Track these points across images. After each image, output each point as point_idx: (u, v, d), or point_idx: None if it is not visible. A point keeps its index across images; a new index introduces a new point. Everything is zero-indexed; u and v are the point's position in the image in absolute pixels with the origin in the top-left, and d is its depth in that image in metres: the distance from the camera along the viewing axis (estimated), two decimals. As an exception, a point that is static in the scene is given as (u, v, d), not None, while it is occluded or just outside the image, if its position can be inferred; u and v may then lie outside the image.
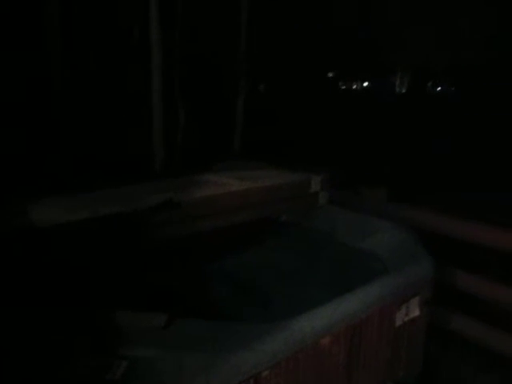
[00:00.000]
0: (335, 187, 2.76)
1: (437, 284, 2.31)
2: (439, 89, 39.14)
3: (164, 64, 4.84)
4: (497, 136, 11.49)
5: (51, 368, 1.32)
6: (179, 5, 5.38)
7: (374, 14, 24.02)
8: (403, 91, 34.80)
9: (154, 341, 1.45)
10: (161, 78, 4.81)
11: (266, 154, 3.72)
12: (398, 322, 2.08)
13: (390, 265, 2.22)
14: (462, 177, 6.70)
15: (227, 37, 5.94)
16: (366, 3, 23.24)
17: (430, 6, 24.94)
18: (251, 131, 6.18)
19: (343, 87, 33.76)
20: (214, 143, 5.53)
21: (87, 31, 5.05)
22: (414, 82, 34.45)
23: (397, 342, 2.11)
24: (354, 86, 37.05)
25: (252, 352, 1.46)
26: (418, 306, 2.16)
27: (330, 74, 30.22)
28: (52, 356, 1.36)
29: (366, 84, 37.47)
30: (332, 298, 1.82)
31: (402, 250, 2.29)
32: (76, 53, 4.94)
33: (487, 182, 6.39)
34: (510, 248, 2.52)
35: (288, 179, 2.60)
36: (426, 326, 2.29)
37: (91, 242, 1.90)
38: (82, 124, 4.84)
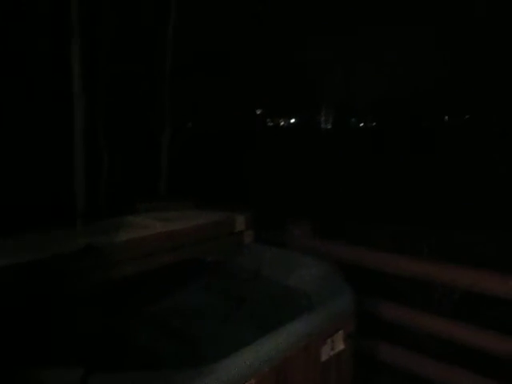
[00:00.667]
0: (260, 225, 2.79)
1: (362, 315, 2.39)
2: (362, 124, 41.43)
3: (87, 103, 4.75)
4: (415, 168, 12.24)
5: None
6: (103, 47, 5.36)
7: (300, 55, 25.23)
8: (328, 127, 36.45)
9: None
10: (83, 117, 4.71)
11: (192, 193, 3.71)
12: (324, 358, 2.10)
13: (315, 300, 2.25)
14: (382, 209, 7.07)
15: (152, 75, 5.96)
16: (292, 44, 24.26)
17: (355, 44, 26.60)
18: (178, 170, 6.16)
19: (271, 123, 34.70)
20: (139, 183, 5.45)
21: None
22: (339, 118, 36.21)
23: (324, 377, 2.13)
24: (282, 123, 38.30)
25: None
26: (342, 339, 2.20)
27: (258, 111, 30.97)
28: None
29: (292, 120, 38.83)
30: (258, 338, 1.82)
31: (325, 284, 2.34)
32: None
33: (403, 214, 6.78)
34: (426, 277, 2.65)
35: (212, 219, 2.60)
36: (352, 359, 2.34)
37: (7, 290, 1.79)
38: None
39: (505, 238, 6.19)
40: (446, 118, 39.80)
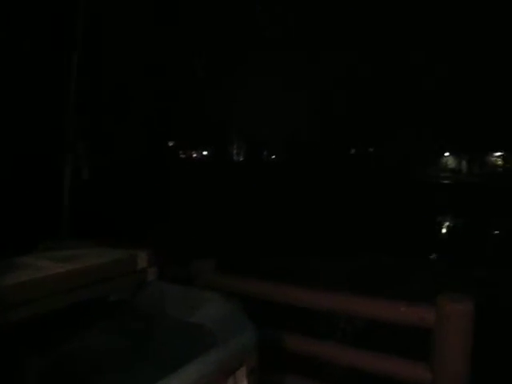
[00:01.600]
0: (164, 262, 2.76)
1: (268, 349, 2.43)
2: (274, 157, 42.74)
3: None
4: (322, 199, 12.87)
5: None
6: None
7: (212, 93, 25.57)
8: (240, 159, 37.18)
9: None
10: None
11: (94, 231, 3.59)
12: (227, 395, 2.10)
13: (218, 337, 2.26)
14: (287, 242, 7.35)
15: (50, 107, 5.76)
16: (204, 82, 24.46)
17: (263, 83, 27.51)
18: (80, 208, 5.94)
19: (183, 156, 34.63)
20: (38, 222, 5.17)
21: None
22: (250, 151, 37.09)
23: (227, 415, 2.12)
24: (195, 155, 38.39)
25: None
26: (245, 375, 2.21)
27: (171, 143, 30.81)
28: None
29: (205, 153, 39.07)
30: (160, 379, 1.78)
31: (228, 320, 2.35)
32: None
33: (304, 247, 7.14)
34: (326, 308, 2.76)
35: (113, 257, 2.53)
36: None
37: None
38: None
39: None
40: (353, 150, 42.39)
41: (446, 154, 46.91)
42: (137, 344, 2.31)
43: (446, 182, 36.76)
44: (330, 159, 35.21)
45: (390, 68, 30.73)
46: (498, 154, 43.83)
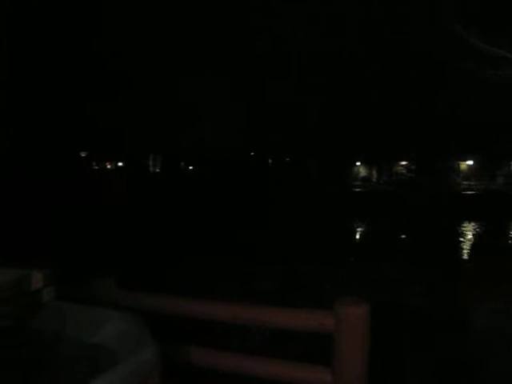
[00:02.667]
0: (63, 281, 2.64)
1: (172, 364, 2.39)
2: (191, 168, 42.53)
3: None
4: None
5: None
6: None
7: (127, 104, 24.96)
8: (157, 170, 36.60)
9: None
10: None
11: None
12: (126, 416, 2.03)
13: (118, 356, 2.19)
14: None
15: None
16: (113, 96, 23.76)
17: (182, 94, 27.34)
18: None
19: (96, 167, 33.40)
20: None
21: None
22: (167, 162, 36.64)
23: None
24: (109, 166, 37.17)
25: None
26: (146, 393, 2.16)
27: (83, 154, 29.63)
28: None
29: (120, 164, 37.98)
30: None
31: (127, 338, 2.29)
32: None
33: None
34: (230, 319, 2.78)
35: (4, 278, 2.38)
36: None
37: None
38: None
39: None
40: (270, 161, 43.37)
41: (358, 163, 49.36)
42: (35, 370, 2.18)
43: (357, 190, 38.69)
44: (248, 169, 35.76)
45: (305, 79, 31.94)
46: (403, 163, 46.88)
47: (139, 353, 2.18)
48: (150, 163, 37.30)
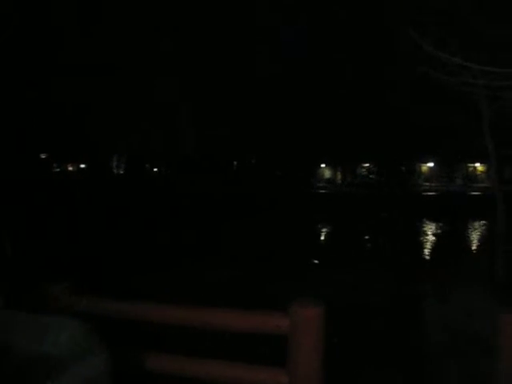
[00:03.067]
0: (11, 289, 2.54)
1: (127, 370, 2.34)
2: (156, 170, 42.03)
3: None
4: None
5: None
6: None
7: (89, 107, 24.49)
8: (121, 172, 35.97)
9: None
10: None
11: None
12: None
13: (67, 364, 2.13)
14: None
15: None
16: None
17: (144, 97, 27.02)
18: None
19: (57, 169, 32.57)
20: None
21: None
22: (131, 164, 36.05)
23: None
24: (71, 168, 36.31)
25: None
26: (97, 402, 2.11)
27: (43, 156, 28.84)
28: None
29: (83, 166, 37.15)
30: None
31: (77, 346, 2.23)
32: None
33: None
34: (183, 322, 2.75)
35: None
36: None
37: None
38: None
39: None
40: (235, 162, 43.37)
41: (323, 165, 49.98)
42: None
43: (321, 191, 39.12)
44: (213, 171, 35.67)
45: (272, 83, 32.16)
46: (366, 165, 47.76)
47: (87, 361, 2.13)
48: (114, 165, 36.64)
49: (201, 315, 2.56)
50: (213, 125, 30.42)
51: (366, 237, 19.73)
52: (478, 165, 47.23)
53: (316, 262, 11.24)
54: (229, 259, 8.74)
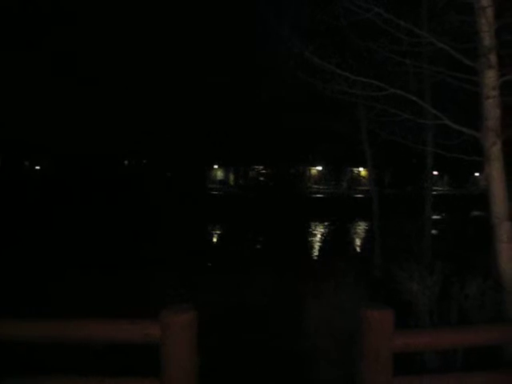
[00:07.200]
0: None
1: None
2: (38, 167, 39.21)
3: None
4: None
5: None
6: None
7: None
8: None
9: None
10: None
11: None
12: None
13: None
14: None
15: None
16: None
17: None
18: None
19: None
20: None
21: None
22: (8, 159, 33.30)
23: None
24: None
25: None
26: None
27: None
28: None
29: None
30: None
31: None
32: None
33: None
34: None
35: None
36: None
37: None
38: None
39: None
40: (126, 162, 42.03)
41: (215, 166, 50.12)
42: None
43: (214, 193, 39.18)
44: (102, 170, 34.23)
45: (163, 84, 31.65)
46: (260, 167, 48.87)
47: None
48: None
49: (61, 328, 2.34)
50: (99, 122, 29.23)
51: (255, 238, 20.10)
52: (361, 169, 50.50)
53: (207, 265, 11.22)
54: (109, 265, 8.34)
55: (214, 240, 20.92)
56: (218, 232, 22.78)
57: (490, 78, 3.81)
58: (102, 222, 18.94)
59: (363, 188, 43.50)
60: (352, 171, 52.77)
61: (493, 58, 3.80)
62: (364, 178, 49.11)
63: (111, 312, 2.79)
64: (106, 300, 5.04)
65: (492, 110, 3.84)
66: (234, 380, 3.92)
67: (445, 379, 2.84)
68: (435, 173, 43.98)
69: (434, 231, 10.92)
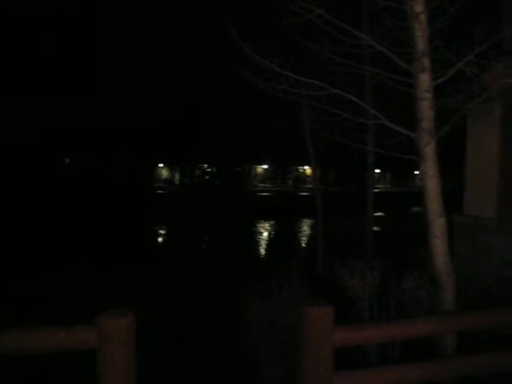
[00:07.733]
0: None
1: None
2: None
3: None
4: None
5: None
6: None
7: None
8: None
9: None
10: None
11: None
12: None
13: None
14: None
15: None
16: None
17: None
18: None
19: None
20: None
21: None
22: None
23: None
24: None
25: None
26: None
27: None
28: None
29: None
30: None
31: None
32: None
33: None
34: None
35: None
36: None
37: None
38: None
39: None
40: (67, 159, 40.84)
41: (160, 165, 49.36)
42: None
43: (160, 192, 38.59)
44: (41, 168, 33.00)
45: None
46: (205, 165, 48.65)
47: None
48: None
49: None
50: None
51: (200, 238, 19.96)
52: (306, 168, 51.32)
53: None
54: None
55: (159, 240, 20.58)
56: (162, 232, 22.41)
57: (424, 80, 3.97)
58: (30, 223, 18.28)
59: (308, 186, 44.26)
60: (297, 170, 53.59)
61: (426, 62, 3.96)
62: (309, 176, 49.98)
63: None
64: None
65: (426, 111, 4.00)
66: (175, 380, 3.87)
67: (384, 371, 2.93)
68: (377, 171, 45.57)
69: (375, 228, 11.28)
